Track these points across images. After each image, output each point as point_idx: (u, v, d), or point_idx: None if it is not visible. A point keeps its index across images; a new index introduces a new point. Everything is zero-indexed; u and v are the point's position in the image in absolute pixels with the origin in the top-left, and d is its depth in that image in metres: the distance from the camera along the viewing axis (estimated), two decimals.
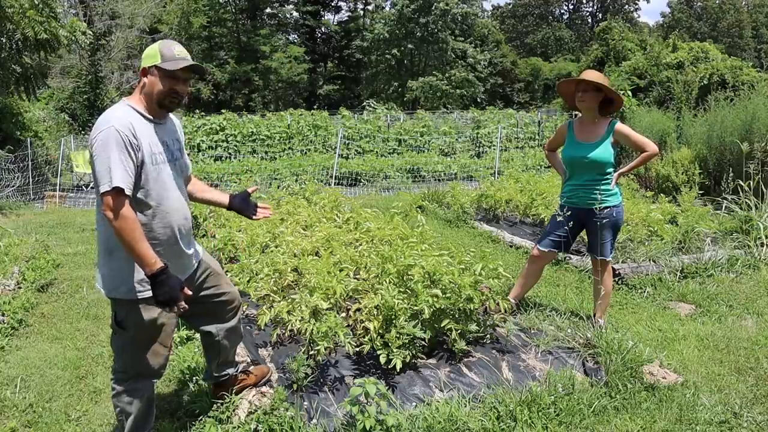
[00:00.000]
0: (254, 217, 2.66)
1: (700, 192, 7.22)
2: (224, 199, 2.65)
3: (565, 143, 3.73)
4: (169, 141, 2.33)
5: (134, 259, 2.09)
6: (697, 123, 9.06)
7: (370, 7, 45.79)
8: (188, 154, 2.67)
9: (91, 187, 12.84)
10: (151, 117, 2.25)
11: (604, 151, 3.53)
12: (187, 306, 2.17)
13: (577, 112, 3.78)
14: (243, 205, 2.65)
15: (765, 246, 5.35)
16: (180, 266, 2.35)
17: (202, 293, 2.53)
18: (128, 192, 2.06)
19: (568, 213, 3.60)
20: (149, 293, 2.18)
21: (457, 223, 7.17)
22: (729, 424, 2.71)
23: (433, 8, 37.58)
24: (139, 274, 2.18)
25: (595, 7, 56.77)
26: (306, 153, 14.75)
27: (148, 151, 2.18)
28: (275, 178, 11.42)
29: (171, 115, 2.42)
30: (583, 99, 3.51)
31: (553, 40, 53.14)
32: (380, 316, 3.06)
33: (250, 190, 2.70)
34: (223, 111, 16.24)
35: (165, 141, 2.30)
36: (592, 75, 3.55)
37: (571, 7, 58.77)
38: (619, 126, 3.58)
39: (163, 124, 2.32)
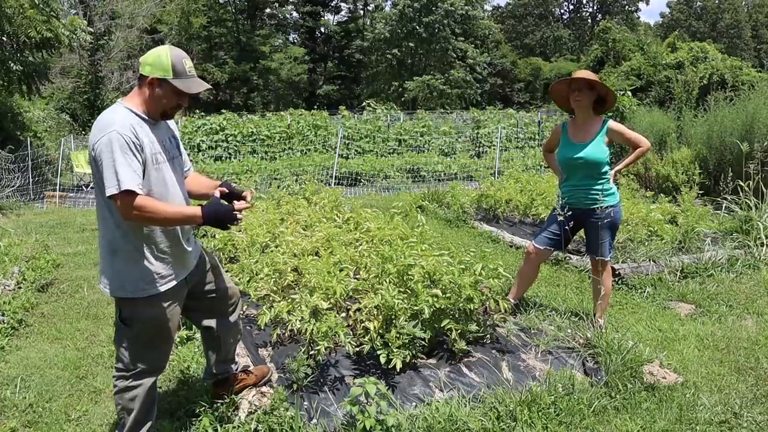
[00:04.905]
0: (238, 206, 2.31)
1: (700, 192, 7.22)
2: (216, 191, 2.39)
3: (559, 144, 3.74)
4: (165, 140, 2.34)
5: (181, 223, 2.22)
6: (697, 123, 9.06)
7: (369, 8, 45.80)
8: (188, 154, 2.67)
9: (91, 187, 12.85)
10: (149, 119, 2.26)
11: (598, 151, 3.53)
12: (243, 213, 2.27)
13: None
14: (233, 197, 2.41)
15: (765, 246, 5.35)
16: (183, 262, 2.37)
17: (203, 288, 2.56)
18: (139, 191, 2.06)
19: (568, 213, 3.60)
20: (154, 290, 2.24)
21: (457, 223, 7.17)
22: (729, 424, 2.71)
23: (435, 8, 37.55)
24: (143, 272, 2.22)
25: (595, 8, 56.76)
26: (306, 153, 14.73)
27: (150, 151, 2.19)
28: (275, 178, 11.41)
29: None
30: (578, 98, 3.51)
31: (552, 40, 53.13)
32: (380, 316, 3.06)
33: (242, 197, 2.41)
34: (222, 111, 16.24)
35: (162, 140, 2.31)
36: (583, 73, 3.56)
37: (570, 7, 58.80)
38: (612, 124, 3.59)
39: (158, 124, 2.33)
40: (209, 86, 2.29)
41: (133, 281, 2.21)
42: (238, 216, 2.23)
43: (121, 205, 2.05)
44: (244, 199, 2.39)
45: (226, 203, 2.31)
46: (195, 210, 2.19)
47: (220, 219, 2.21)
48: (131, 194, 2.05)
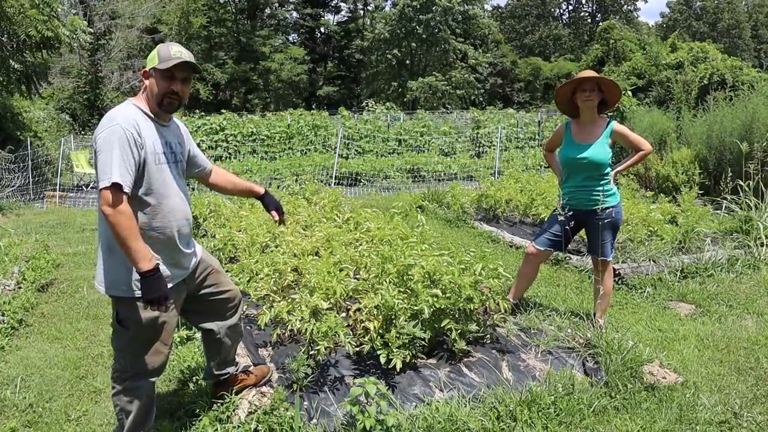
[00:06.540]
0: (273, 215, 2.77)
1: (700, 192, 7.22)
2: (259, 189, 2.80)
3: (562, 144, 3.74)
4: (172, 142, 2.36)
5: (128, 255, 2.07)
6: (697, 123, 9.06)
7: (369, 8, 45.79)
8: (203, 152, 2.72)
9: (92, 187, 12.84)
10: (155, 117, 2.28)
11: (601, 152, 3.53)
12: (169, 304, 2.19)
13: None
14: (272, 206, 2.79)
15: (765, 246, 5.35)
16: (179, 264, 2.37)
17: (203, 291, 2.56)
18: (127, 189, 2.07)
19: (569, 213, 3.60)
20: None
21: (457, 223, 7.17)
22: (729, 424, 2.71)
23: (434, 7, 37.50)
24: None
25: (594, 8, 56.76)
26: (306, 153, 14.72)
27: (152, 150, 2.20)
28: (275, 178, 11.41)
29: (175, 118, 2.45)
30: (590, 97, 3.51)
31: (552, 39, 53.13)
32: (380, 316, 3.06)
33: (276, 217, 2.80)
34: (222, 111, 16.23)
35: (169, 142, 2.33)
36: (590, 73, 3.57)
37: (570, 7, 58.80)
38: (617, 126, 3.59)
39: (168, 126, 2.36)
40: (186, 59, 2.24)
41: (129, 281, 2.20)
42: (163, 308, 2.16)
43: (110, 198, 2.02)
44: (278, 216, 2.77)
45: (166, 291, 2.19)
46: (148, 261, 2.07)
47: (154, 291, 2.09)
48: (120, 190, 2.04)
